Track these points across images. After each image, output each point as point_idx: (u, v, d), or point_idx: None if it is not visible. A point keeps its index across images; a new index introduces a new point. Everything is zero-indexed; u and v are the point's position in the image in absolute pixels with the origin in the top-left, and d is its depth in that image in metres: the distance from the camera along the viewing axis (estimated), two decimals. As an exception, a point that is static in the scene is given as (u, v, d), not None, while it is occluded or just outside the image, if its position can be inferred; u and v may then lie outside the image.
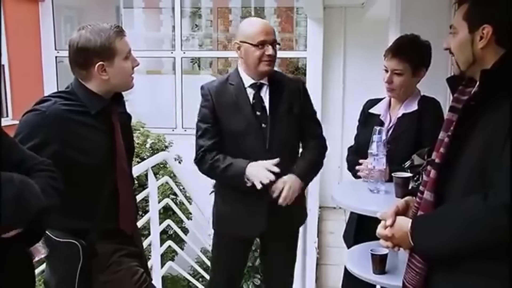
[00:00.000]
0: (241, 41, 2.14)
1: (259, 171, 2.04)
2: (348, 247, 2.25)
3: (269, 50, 2.10)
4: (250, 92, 2.19)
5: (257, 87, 2.19)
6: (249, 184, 2.07)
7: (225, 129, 2.18)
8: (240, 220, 2.22)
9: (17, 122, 1.66)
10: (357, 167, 2.11)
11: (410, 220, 1.34)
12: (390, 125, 2.16)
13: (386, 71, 2.09)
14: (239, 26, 2.25)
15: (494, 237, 1.17)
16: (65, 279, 1.72)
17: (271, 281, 2.47)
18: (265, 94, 2.20)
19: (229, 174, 2.12)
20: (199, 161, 2.20)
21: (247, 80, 2.19)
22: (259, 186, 2.02)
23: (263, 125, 2.16)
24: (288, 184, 2.08)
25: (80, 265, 1.69)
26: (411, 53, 2.06)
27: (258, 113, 2.17)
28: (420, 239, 1.31)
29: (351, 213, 2.32)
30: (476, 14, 1.30)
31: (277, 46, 2.16)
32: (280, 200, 2.07)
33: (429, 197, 1.33)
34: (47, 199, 1.31)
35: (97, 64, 1.69)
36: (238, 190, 2.15)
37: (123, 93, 1.89)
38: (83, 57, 1.69)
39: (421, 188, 1.40)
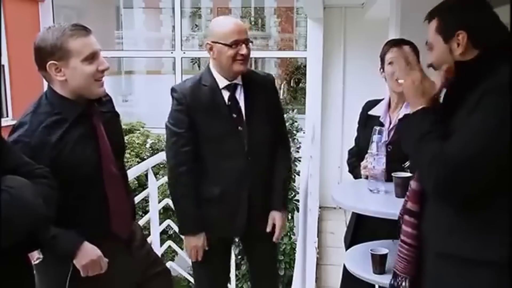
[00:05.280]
0: (213, 42, 2.08)
1: (193, 247, 2.16)
2: (346, 247, 2.26)
3: (242, 50, 2.06)
4: (225, 94, 2.14)
5: (232, 88, 2.15)
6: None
7: (201, 133, 2.12)
8: (222, 221, 2.17)
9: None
10: (362, 171, 2.10)
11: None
12: (391, 126, 2.15)
13: (390, 64, 2.08)
14: (209, 26, 2.18)
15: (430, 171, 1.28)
16: (54, 285, 1.69)
17: (258, 281, 2.44)
18: (240, 95, 2.16)
19: (180, 212, 2.19)
20: (178, 176, 2.13)
21: (221, 81, 2.14)
22: (192, 258, 2.19)
23: (239, 127, 2.13)
24: (279, 225, 2.22)
25: (70, 271, 1.64)
26: (411, 44, 2.10)
27: (234, 115, 2.13)
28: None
29: (352, 213, 2.32)
30: (449, 24, 1.39)
31: (251, 44, 2.11)
32: (274, 239, 2.23)
33: (415, 186, 1.46)
34: (48, 208, 1.27)
35: (48, 63, 1.62)
36: (214, 192, 2.14)
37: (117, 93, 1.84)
38: (38, 57, 1.64)
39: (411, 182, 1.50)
